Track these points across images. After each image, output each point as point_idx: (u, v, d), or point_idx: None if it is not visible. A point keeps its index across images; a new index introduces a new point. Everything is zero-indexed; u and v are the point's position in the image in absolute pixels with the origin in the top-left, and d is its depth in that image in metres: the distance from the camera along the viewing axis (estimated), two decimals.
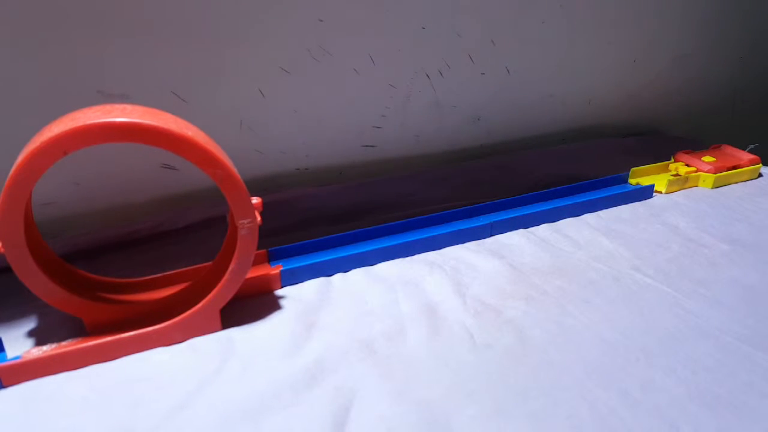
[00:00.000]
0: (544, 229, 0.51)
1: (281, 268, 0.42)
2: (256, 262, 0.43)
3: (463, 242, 0.49)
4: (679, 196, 0.59)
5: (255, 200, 0.35)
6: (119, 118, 0.30)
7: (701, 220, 0.53)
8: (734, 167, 0.62)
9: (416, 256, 0.47)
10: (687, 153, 0.65)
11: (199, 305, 0.36)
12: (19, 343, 0.36)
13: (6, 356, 0.33)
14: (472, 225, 0.49)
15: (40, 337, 0.37)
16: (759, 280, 0.43)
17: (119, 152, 0.48)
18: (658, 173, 0.63)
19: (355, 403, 0.31)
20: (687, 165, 0.63)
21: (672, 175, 0.61)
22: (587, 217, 0.54)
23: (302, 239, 0.46)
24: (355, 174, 0.63)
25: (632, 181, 0.60)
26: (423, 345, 0.36)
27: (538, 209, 0.52)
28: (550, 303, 0.40)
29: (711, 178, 0.60)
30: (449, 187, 0.61)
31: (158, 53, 0.47)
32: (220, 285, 0.36)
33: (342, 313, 0.39)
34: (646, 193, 0.58)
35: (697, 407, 0.31)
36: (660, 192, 0.60)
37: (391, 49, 0.58)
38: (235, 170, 0.34)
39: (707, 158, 0.63)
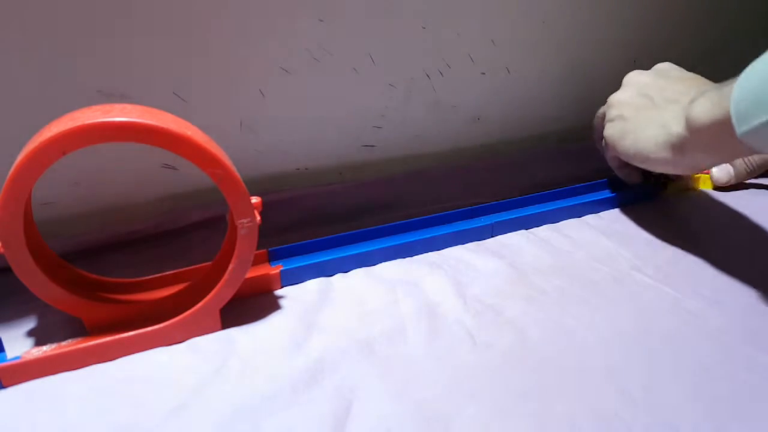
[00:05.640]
0: (544, 229, 0.51)
1: (281, 268, 0.42)
2: (256, 262, 0.43)
3: (464, 243, 0.49)
4: (680, 197, 0.59)
5: (255, 200, 0.35)
6: (118, 117, 0.30)
7: (702, 219, 0.53)
8: None
9: (416, 257, 0.47)
10: None
11: (199, 305, 0.36)
12: (19, 343, 0.36)
13: (6, 356, 0.33)
14: (473, 225, 0.49)
15: (40, 337, 0.37)
16: (759, 280, 0.43)
17: (119, 152, 0.48)
18: None
19: (355, 403, 0.31)
20: None
21: (671, 179, 0.61)
22: (588, 218, 0.54)
23: (302, 239, 0.46)
24: (355, 174, 0.63)
25: None
26: (423, 345, 0.36)
27: (540, 210, 0.52)
28: (550, 303, 0.40)
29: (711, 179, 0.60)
30: (449, 187, 0.61)
31: (158, 53, 0.47)
32: (219, 285, 0.36)
33: (342, 313, 0.39)
34: (648, 194, 0.58)
35: (697, 407, 0.31)
36: (659, 196, 0.59)
37: (391, 49, 0.58)
38: (234, 170, 0.34)
39: None
